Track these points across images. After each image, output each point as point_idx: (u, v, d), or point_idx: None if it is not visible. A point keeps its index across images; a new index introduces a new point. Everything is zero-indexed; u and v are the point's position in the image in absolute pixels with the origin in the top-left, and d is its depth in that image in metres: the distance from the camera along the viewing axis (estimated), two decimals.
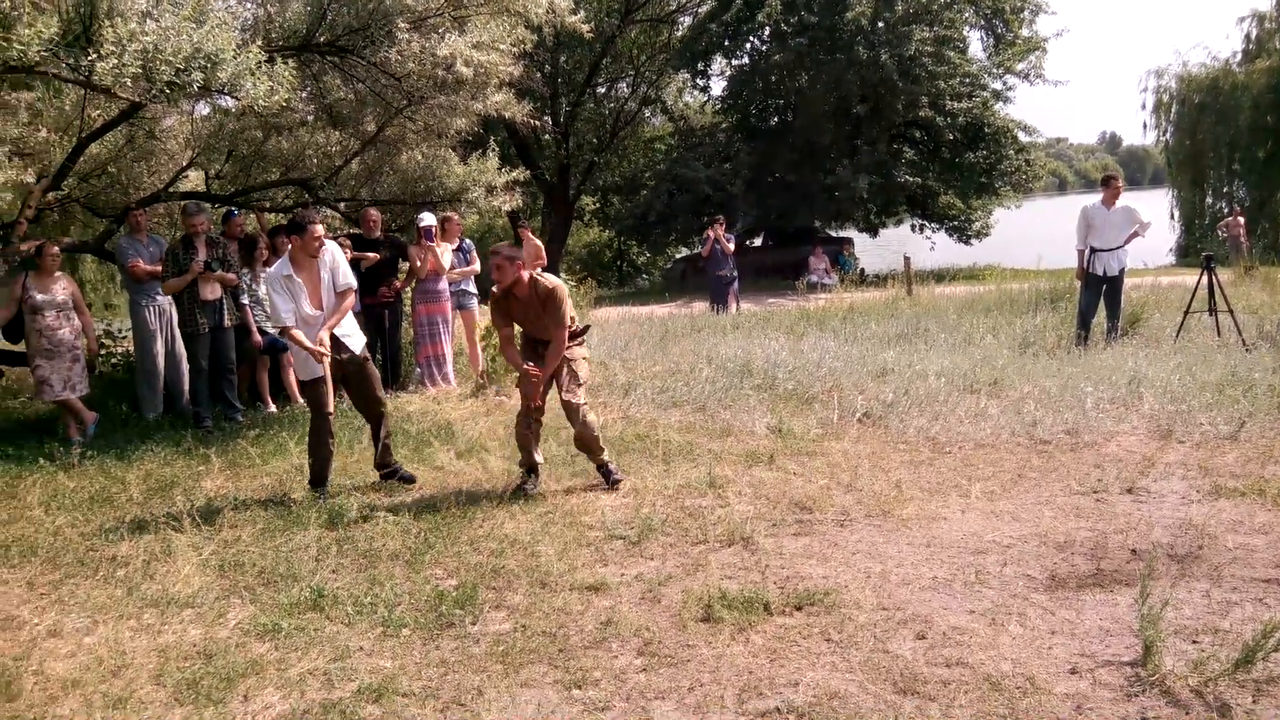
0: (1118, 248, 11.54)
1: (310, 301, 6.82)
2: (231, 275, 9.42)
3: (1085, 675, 4.00)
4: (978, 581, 5.00)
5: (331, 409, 6.98)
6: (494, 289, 6.95)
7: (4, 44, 6.84)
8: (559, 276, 19.18)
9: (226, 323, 9.45)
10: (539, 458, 7.04)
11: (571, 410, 6.82)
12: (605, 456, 7.02)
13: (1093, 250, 11.62)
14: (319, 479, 7.00)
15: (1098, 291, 11.67)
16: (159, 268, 9.48)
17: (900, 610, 4.68)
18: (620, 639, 4.53)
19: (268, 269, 9.91)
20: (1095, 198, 11.97)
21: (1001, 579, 5.04)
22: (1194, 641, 4.22)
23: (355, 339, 7.08)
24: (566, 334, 6.82)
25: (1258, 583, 4.82)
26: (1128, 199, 11.80)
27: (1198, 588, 4.80)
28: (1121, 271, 11.65)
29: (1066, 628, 4.43)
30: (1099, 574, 5.04)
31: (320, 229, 6.85)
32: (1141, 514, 5.91)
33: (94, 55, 7.12)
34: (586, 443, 6.93)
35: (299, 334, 6.72)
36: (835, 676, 4.08)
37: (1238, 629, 4.28)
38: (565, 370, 6.88)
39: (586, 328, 7.32)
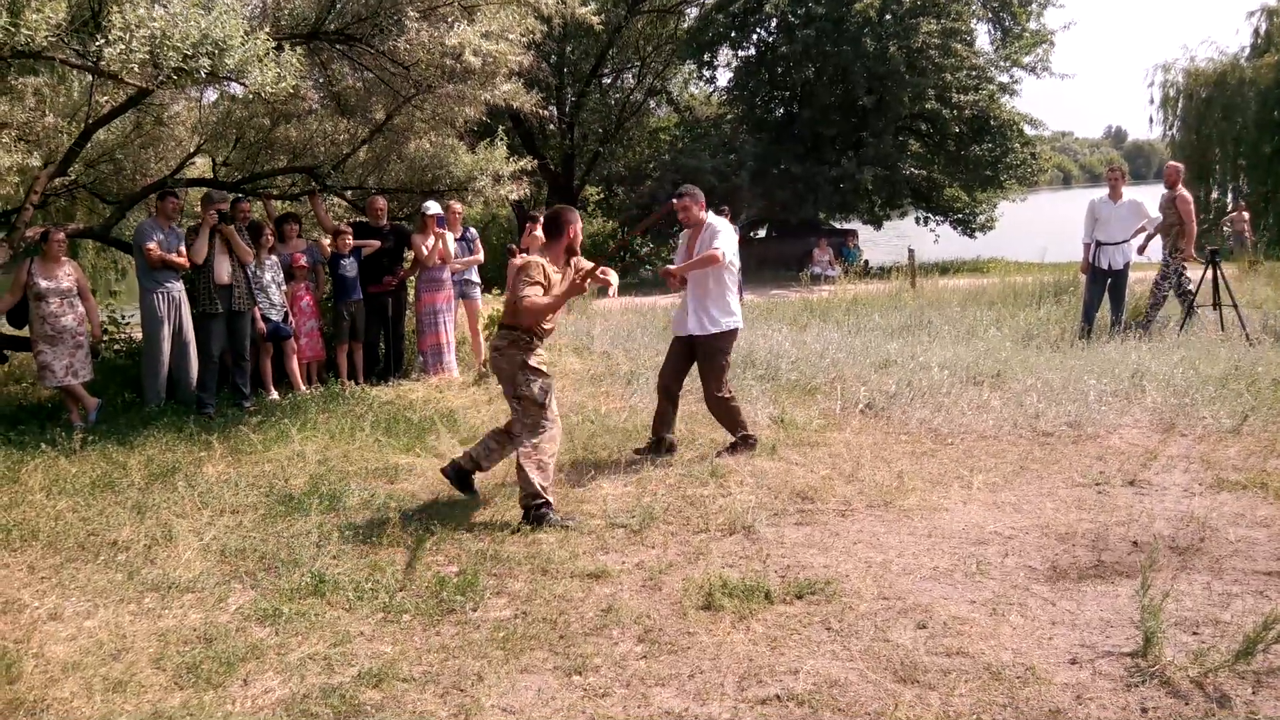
0: (1122, 242, 11.52)
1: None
2: (247, 249, 9.46)
3: (1085, 665, 4.00)
4: (979, 572, 5.01)
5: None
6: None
7: (11, 29, 6.82)
8: None
9: (240, 307, 9.46)
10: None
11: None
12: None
13: (1098, 244, 11.61)
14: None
15: (1102, 285, 11.67)
16: (173, 255, 9.48)
17: (901, 600, 4.69)
18: (621, 626, 4.54)
19: (272, 255, 9.95)
20: (1102, 191, 11.96)
21: (1003, 570, 5.04)
22: (1194, 633, 4.22)
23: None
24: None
25: (1258, 575, 4.82)
26: (1132, 193, 11.78)
27: (1198, 580, 4.80)
28: (1126, 266, 11.64)
29: (1067, 618, 4.43)
30: (1100, 565, 5.04)
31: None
32: (1143, 506, 5.91)
33: (102, 41, 7.11)
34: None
35: None
36: (835, 665, 4.08)
37: (1238, 621, 4.28)
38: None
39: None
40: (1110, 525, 5.60)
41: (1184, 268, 12.05)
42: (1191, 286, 11.94)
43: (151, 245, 9.37)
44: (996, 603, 4.62)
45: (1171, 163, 12.63)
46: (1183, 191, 11.93)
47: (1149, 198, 12.12)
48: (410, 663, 4.25)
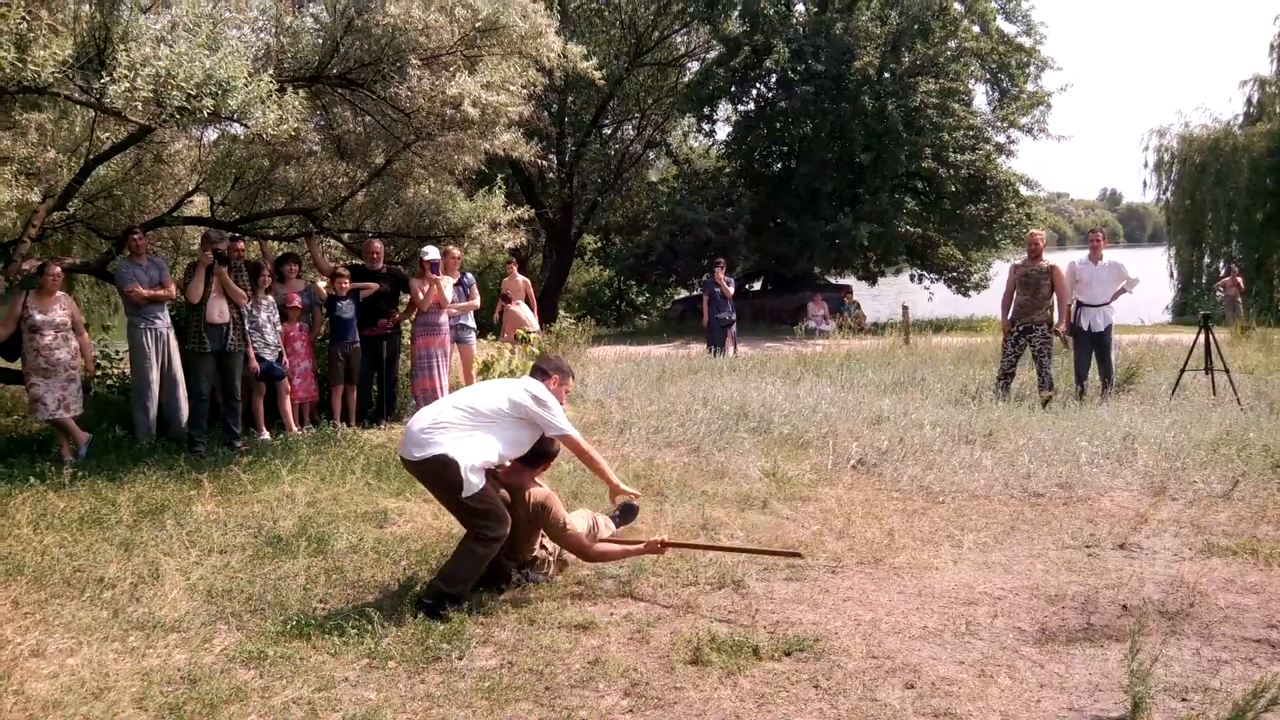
0: (1104, 304, 11.54)
1: None
2: (241, 291, 9.46)
3: None
4: (968, 632, 4.99)
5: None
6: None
7: (19, 65, 6.88)
8: (558, 314, 19.21)
9: (232, 347, 9.45)
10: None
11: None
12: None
13: (1079, 305, 11.65)
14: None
15: (1087, 347, 11.67)
16: (158, 291, 9.51)
17: (889, 659, 4.67)
18: (607, 679, 4.51)
19: (268, 295, 9.97)
20: (1084, 254, 12.02)
21: (992, 630, 5.02)
22: (1183, 699, 4.21)
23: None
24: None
25: (1248, 642, 4.81)
26: (1125, 256, 11.84)
27: (1188, 645, 4.79)
28: (1108, 328, 11.64)
29: (1055, 681, 4.41)
30: (1089, 629, 5.03)
31: None
32: (1133, 570, 5.90)
33: (107, 78, 7.16)
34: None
35: None
36: None
37: (1227, 688, 4.27)
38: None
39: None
40: (1100, 588, 5.59)
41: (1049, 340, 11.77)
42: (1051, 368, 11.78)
43: (134, 286, 9.40)
44: (985, 664, 4.61)
45: (1035, 231, 12.51)
46: (1056, 264, 11.81)
47: (1135, 260, 12.18)
48: (394, 710, 4.22)
